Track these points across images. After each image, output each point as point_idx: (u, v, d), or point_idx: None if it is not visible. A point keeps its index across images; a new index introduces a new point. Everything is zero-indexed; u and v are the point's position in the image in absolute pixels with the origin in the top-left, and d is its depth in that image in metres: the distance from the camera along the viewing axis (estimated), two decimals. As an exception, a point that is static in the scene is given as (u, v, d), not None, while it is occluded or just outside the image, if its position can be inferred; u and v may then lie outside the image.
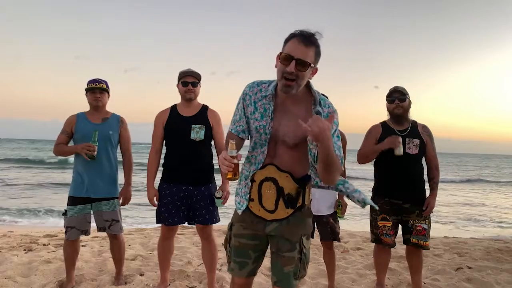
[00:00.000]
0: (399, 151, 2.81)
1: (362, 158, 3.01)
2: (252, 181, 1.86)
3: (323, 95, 1.90)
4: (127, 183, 3.15)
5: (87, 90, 3.02)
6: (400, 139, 2.83)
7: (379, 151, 2.89)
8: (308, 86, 1.80)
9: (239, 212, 1.92)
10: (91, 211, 3.00)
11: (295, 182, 1.79)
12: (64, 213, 2.97)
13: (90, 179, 2.94)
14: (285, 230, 1.84)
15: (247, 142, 1.99)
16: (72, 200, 2.96)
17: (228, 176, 1.69)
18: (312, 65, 1.69)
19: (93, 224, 3.04)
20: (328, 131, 1.51)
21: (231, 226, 1.99)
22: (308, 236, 1.90)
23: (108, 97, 3.13)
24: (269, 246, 1.95)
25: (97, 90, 3.00)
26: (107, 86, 3.07)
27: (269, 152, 1.83)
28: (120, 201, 3.11)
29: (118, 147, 3.16)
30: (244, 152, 1.95)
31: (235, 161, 1.68)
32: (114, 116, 3.13)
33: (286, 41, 1.72)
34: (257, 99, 1.85)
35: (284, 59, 1.68)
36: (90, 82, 3.02)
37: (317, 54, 1.71)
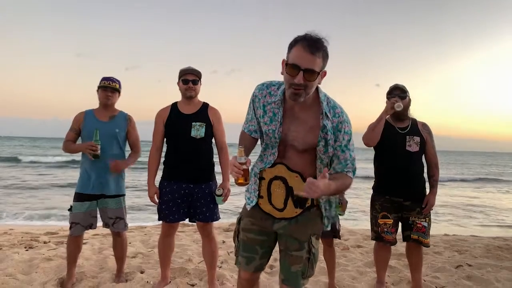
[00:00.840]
0: (399, 104, 2.82)
1: (369, 132, 2.91)
2: (262, 178, 1.87)
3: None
4: (125, 161, 3.07)
5: (99, 87, 3.03)
6: (397, 98, 2.85)
7: (383, 118, 2.86)
8: (317, 91, 1.75)
9: (248, 207, 1.94)
10: (97, 207, 3.02)
11: (304, 183, 1.74)
12: (70, 209, 2.99)
13: (96, 176, 2.96)
14: (293, 229, 1.85)
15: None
16: (78, 197, 2.98)
17: (239, 181, 1.76)
18: (320, 70, 1.63)
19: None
20: (325, 189, 1.56)
21: (239, 220, 2.01)
22: (318, 236, 1.89)
23: (119, 97, 3.14)
24: (278, 244, 1.96)
25: (109, 88, 3.02)
26: (119, 86, 3.10)
27: (279, 154, 1.84)
28: (110, 166, 2.97)
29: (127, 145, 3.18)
30: (257, 149, 2.01)
31: (244, 167, 1.73)
32: (122, 114, 3.13)
33: (291, 46, 1.64)
34: (266, 102, 1.82)
35: (290, 69, 1.60)
36: (104, 79, 3.04)
37: (325, 58, 1.63)
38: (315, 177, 1.81)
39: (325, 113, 1.72)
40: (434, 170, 3.01)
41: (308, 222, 1.85)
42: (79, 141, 3.09)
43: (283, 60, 1.68)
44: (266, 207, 1.88)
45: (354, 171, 1.82)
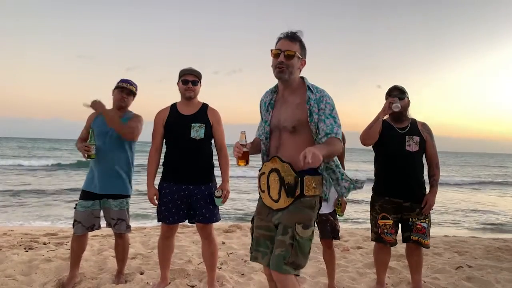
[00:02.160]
0: (396, 104, 2.82)
1: (365, 131, 2.91)
2: (263, 173, 2.09)
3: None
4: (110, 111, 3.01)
5: (116, 87, 3.05)
6: (395, 99, 2.84)
7: (380, 118, 2.87)
8: (303, 79, 2.10)
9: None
10: (100, 207, 3.03)
11: (293, 171, 1.95)
12: (76, 206, 3.02)
13: (99, 175, 2.98)
14: (283, 217, 1.98)
15: None
16: (83, 194, 3.01)
17: (240, 163, 2.00)
18: (299, 55, 2.02)
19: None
20: (318, 149, 1.69)
21: (252, 219, 2.20)
22: (306, 226, 1.95)
23: (133, 99, 3.16)
24: None
25: (125, 90, 3.04)
26: (136, 89, 3.13)
27: (275, 143, 2.08)
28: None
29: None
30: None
31: (245, 149, 1.99)
32: (130, 113, 3.14)
33: (276, 43, 2.05)
34: (266, 100, 2.19)
35: (275, 54, 2.02)
36: (121, 81, 3.07)
37: (302, 48, 2.06)
38: (309, 168, 1.93)
39: (309, 87, 2.03)
40: (434, 170, 3.00)
41: (296, 210, 1.96)
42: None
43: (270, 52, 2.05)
44: (266, 200, 2.07)
45: (341, 138, 1.97)
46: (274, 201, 2.02)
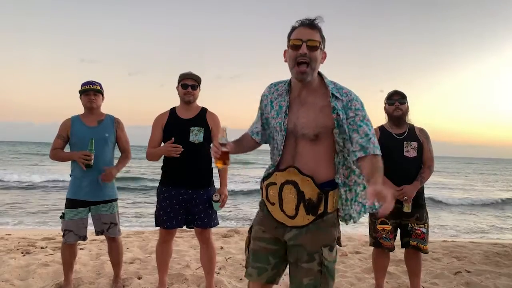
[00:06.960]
0: (408, 207, 2.86)
1: None
2: (272, 184, 1.78)
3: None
4: (116, 166, 3.05)
5: (81, 92, 3.00)
6: (405, 197, 2.84)
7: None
8: (321, 76, 1.80)
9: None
10: (89, 214, 3.00)
11: (316, 187, 1.69)
12: (62, 216, 2.96)
13: (88, 182, 2.93)
14: (304, 239, 1.73)
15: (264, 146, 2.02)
16: (71, 203, 2.95)
17: (217, 165, 1.75)
18: (321, 46, 1.72)
19: (90, 228, 3.02)
20: (388, 190, 1.42)
21: (250, 228, 1.94)
22: (332, 248, 1.76)
23: (103, 99, 3.10)
24: (288, 256, 1.83)
25: (91, 91, 2.98)
26: (101, 88, 3.06)
27: (290, 151, 1.77)
28: (101, 177, 2.95)
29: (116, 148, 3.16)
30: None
31: (224, 149, 1.71)
32: (109, 118, 3.11)
33: (291, 33, 1.75)
34: (273, 98, 1.89)
35: (293, 45, 1.70)
36: (84, 84, 3.01)
37: (322, 37, 1.74)
38: (329, 182, 1.74)
39: (333, 93, 1.72)
40: (425, 169, 2.96)
41: (320, 231, 1.73)
42: (67, 149, 3.04)
43: (285, 51, 1.77)
44: (278, 215, 1.77)
45: (379, 147, 1.67)
46: (288, 217, 1.74)
